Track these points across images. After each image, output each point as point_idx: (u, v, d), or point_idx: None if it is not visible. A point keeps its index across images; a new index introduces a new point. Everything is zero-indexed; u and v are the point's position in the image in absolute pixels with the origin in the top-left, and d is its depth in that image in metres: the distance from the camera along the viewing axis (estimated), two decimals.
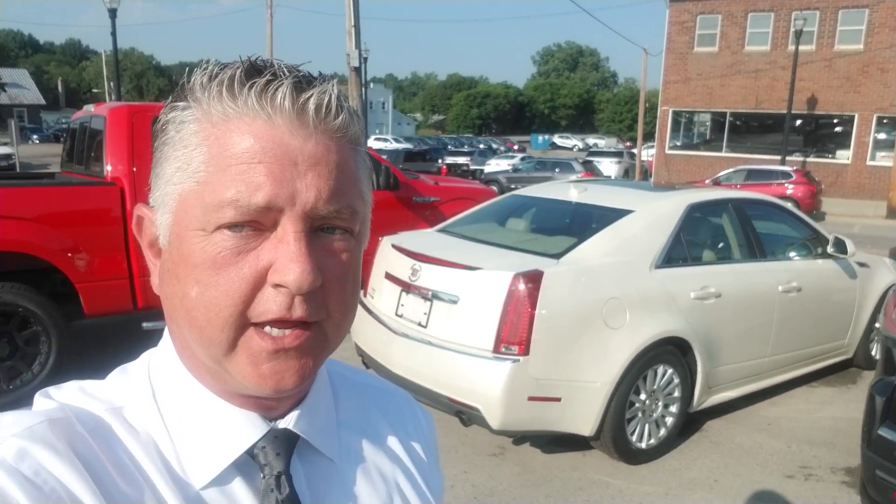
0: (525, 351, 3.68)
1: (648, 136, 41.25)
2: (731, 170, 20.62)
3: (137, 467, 0.60)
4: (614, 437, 4.00)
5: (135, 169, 5.08)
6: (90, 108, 5.98)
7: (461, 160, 30.39)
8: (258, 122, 0.58)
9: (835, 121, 25.27)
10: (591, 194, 4.91)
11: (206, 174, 0.58)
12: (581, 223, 4.75)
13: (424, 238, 4.85)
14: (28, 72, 65.43)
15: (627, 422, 4.07)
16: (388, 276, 4.48)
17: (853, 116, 24.59)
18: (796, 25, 22.28)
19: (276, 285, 0.58)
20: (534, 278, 3.76)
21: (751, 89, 26.39)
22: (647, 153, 34.51)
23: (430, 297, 4.09)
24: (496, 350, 3.73)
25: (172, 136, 0.61)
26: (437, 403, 3.92)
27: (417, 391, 3.94)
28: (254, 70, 0.59)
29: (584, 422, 3.90)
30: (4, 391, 4.73)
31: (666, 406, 4.30)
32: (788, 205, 5.85)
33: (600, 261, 4.11)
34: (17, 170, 17.37)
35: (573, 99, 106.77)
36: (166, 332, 0.67)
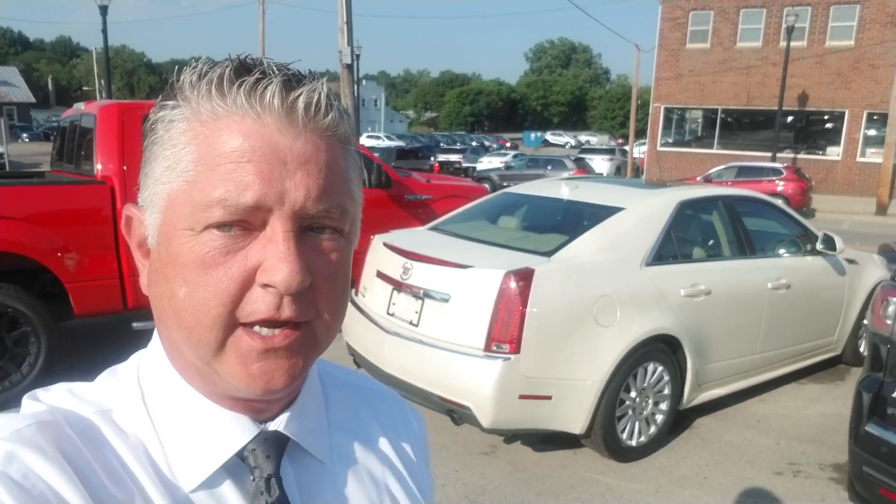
0: (516, 349, 3.69)
1: (640, 133, 41.30)
2: (722, 167, 20.71)
3: (126, 470, 0.60)
4: (605, 435, 4.01)
5: (125, 167, 5.05)
6: (80, 107, 5.94)
7: (453, 158, 30.42)
8: (247, 121, 0.57)
9: (825, 117, 25.37)
10: (582, 192, 4.92)
11: (195, 173, 0.58)
12: (572, 221, 4.76)
13: (416, 236, 4.85)
14: (18, 69, 64.90)
15: (618, 420, 4.09)
16: (380, 275, 4.48)
17: (844, 113, 24.69)
18: (788, 21, 22.37)
19: (265, 285, 0.57)
20: (525, 276, 3.77)
21: (742, 86, 26.47)
22: (639, 150, 34.58)
23: (422, 295, 4.09)
24: (487, 348, 3.74)
25: (161, 135, 0.60)
26: (428, 402, 3.92)
27: (409, 390, 3.94)
28: (243, 68, 0.59)
29: (575, 420, 3.92)
30: None
31: (656, 404, 4.32)
32: (778, 202, 5.88)
33: (591, 258, 4.12)
34: (7, 168, 17.24)
35: (565, 96, 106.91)
36: (156, 334, 0.67)
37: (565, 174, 19.86)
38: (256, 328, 0.59)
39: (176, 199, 0.59)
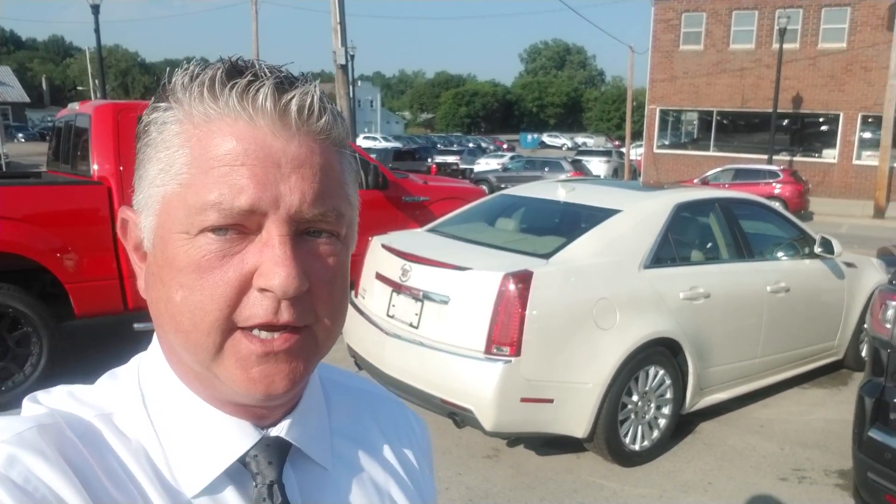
0: (516, 352, 3.67)
1: (637, 135, 41.42)
2: (718, 169, 20.72)
3: (128, 474, 0.59)
4: (607, 438, 3.99)
5: (121, 168, 5.05)
6: (75, 107, 5.92)
7: (451, 159, 30.36)
8: (240, 124, 0.57)
9: (820, 119, 25.45)
10: (579, 194, 4.91)
11: (189, 176, 0.57)
12: (570, 223, 4.75)
13: (414, 238, 4.84)
14: (11, 69, 64.75)
15: (620, 423, 4.07)
16: (379, 277, 4.46)
17: (838, 115, 24.76)
18: (780, 23, 22.42)
19: (262, 289, 0.57)
20: (523, 278, 3.75)
21: (737, 88, 26.53)
22: (635, 152, 34.65)
23: (421, 297, 4.07)
24: (488, 351, 3.72)
25: (155, 138, 0.60)
26: (430, 405, 3.91)
27: (410, 392, 3.93)
28: (235, 70, 0.58)
29: (577, 423, 3.90)
30: None
31: (658, 408, 4.31)
32: (776, 204, 5.87)
33: (589, 261, 4.11)
34: (4, 169, 17.18)
35: (561, 97, 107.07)
36: (155, 337, 0.66)
37: (562, 176, 19.87)
38: (255, 332, 0.58)
39: (170, 202, 0.58)
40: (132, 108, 5.28)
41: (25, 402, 0.63)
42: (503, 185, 17.93)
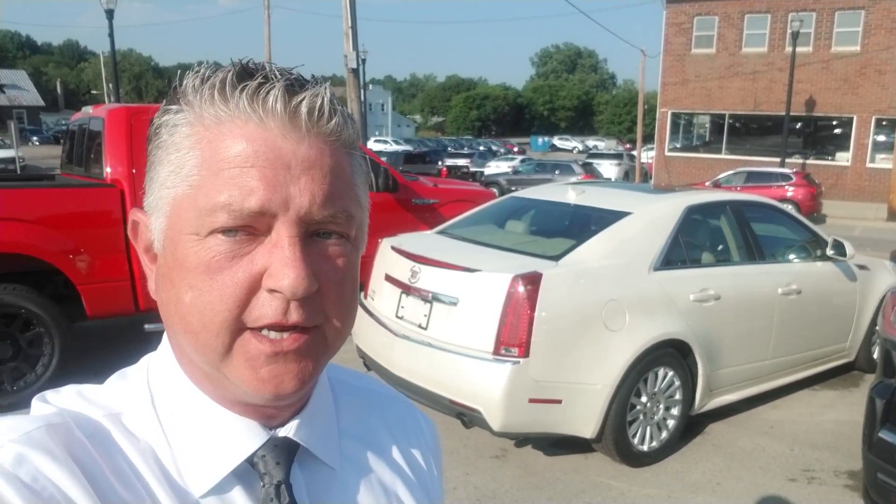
0: (525, 353, 3.68)
1: (648, 138, 41.29)
2: (730, 172, 20.62)
3: (136, 474, 0.60)
4: (616, 439, 3.99)
5: (134, 171, 5.09)
6: (89, 110, 5.99)
7: (461, 162, 30.39)
8: (250, 126, 0.57)
9: (834, 122, 25.29)
10: (589, 196, 4.91)
11: (199, 178, 0.58)
12: (579, 225, 4.75)
13: (424, 240, 4.85)
14: (26, 73, 65.40)
15: (629, 424, 4.07)
16: (388, 278, 4.48)
17: (852, 118, 24.61)
18: (793, 27, 22.26)
19: (271, 290, 0.57)
20: (533, 280, 3.76)
21: (749, 91, 26.42)
22: (646, 155, 34.53)
23: (430, 298, 4.09)
24: (496, 352, 3.73)
25: (165, 140, 0.60)
26: (438, 405, 3.92)
27: (419, 393, 3.94)
28: (245, 73, 0.59)
29: (586, 424, 3.90)
30: (8, 392, 4.75)
31: (667, 409, 4.30)
32: (789, 207, 5.85)
33: (599, 263, 4.11)
34: (18, 171, 17.34)
35: (572, 101, 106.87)
36: (165, 337, 0.67)
37: (573, 179, 19.83)
38: (265, 332, 0.58)
39: (181, 203, 0.59)
40: (145, 112, 5.32)
41: (34, 401, 0.63)
42: (513, 188, 17.89)
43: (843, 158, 25.05)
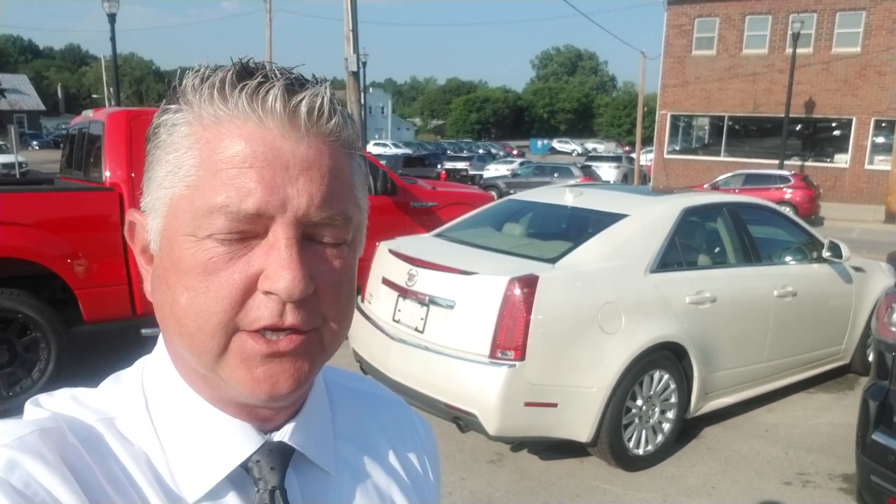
0: (521, 356, 3.69)
1: (647, 141, 41.28)
2: (729, 174, 20.64)
3: (129, 479, 0.59)
4: (611, 443, 4.00)
5: (133, 175, 5.09)
6: (89, 114, 5.99)
7: (460, 165, 30.44)
8: (249, 125, 0.57)
9: (833, 124, 25.29)
10: (586, 199, 4.92)
11: (197, 178, 0.57)
12: (576, 228, 4.76)
13: (421, 243, 4.86)
14: (27, 77, 65.49)
15: (624, 428, 4.08)
16: (385, 282, 4.49)
17: (851, 120, 24.60)
18: (794, 28, 22.25)
19: (267, 292, 0.57)
20: (529, 283, 3.77)
21: (749, 93, 26.42)
22: (645, 158, 34.56)
23: (427, 302, 4.10)
24: (492, 355, 3.74)
25: (164, 140, 0.60)
26: (434, 409, 3.92)
27: (414, 397, 3.95)
28: (245, 72, 0.58)
29: (581, 428, 3.91)
30: (4, 398, 4.72)
31: (663, 412, 4.31)
32: (786, 209, 5.86)
33: (595, 265, 4.12)
34: (17, 176, 17.34)
35: (572, 103, 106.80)
36: (160, 339, 0.67)
37: (572, 182, 19.84)
38: (261, 332, 0.58)
39: (178, 204, 0.58)
40: (145, 116, 5.32)
41: (28, 405, 0.62)
42: (512, 191, 17.89)
43: (842, 160, 25.04)
